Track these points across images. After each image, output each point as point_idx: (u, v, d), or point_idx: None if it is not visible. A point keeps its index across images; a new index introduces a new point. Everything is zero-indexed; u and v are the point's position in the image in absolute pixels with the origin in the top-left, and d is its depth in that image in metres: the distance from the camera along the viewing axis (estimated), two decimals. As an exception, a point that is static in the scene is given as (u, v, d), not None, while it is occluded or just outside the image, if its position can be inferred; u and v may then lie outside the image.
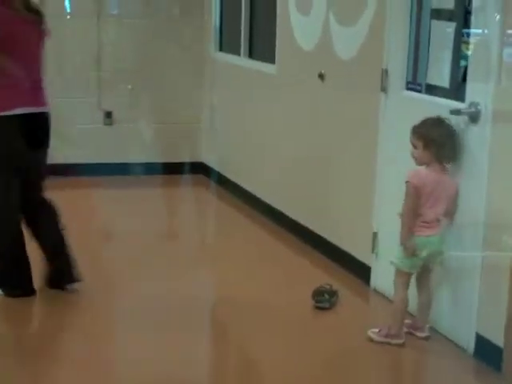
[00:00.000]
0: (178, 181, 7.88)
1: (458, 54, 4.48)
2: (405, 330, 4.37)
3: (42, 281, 4.91)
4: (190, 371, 4.07)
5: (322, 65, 5.67)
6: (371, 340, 4.35)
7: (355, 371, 4.16)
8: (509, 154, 3.95)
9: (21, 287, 4.83)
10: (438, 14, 4.69)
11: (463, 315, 4.28)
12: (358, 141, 5.29)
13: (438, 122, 4.23)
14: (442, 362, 4.22)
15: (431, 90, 4.67)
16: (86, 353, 4.20)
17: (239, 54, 7.34)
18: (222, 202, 7.27)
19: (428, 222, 4.25)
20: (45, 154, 4.91)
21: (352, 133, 5.39)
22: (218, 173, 7.70)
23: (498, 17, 4.01)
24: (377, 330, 4.37)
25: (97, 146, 7.86)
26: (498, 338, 3.98)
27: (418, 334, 4.41)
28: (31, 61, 4.78)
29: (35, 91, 4.79)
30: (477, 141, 4.15)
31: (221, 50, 7.84)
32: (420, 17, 4.80)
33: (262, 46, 7.08)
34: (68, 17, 7.71)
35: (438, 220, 4.27)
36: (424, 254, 4.26)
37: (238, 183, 7.21)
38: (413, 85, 4.82)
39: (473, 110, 4.15)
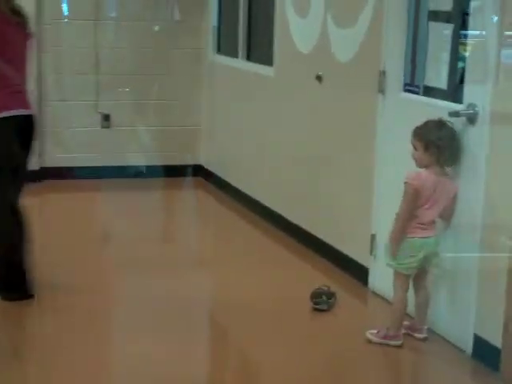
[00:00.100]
0: (177, 184, 7.88)
1: (456, 56, 4.49)
2: (403, 331, 4.37)
3: None
4: (188, 373, 4.06)
5: (319, 67, 5.68)
6: (369, 341, 4.35)
7: (353, 372, 4.16)
8: (507, 155, 3.96)
9: (18, 291, 4.82)
10: (435, 15, 4.70)
11: (461, 316, 4.29)
12: (357, 143, 5.30)
13: (439, 125, 4.23)
14: (440, 363, 4.23)
15: (429, 91, 4.68)
16: (82, 355, 4.18)
17: (237, 57, 7.34)
18: (221, 204, 7.27)
19: (424, 224, 4.26)
20: (29, 157, 4.88)
21: (350, 135, 5.39)
22: (217, 175, 7.70)
23: (495, 18, 4.02)
24: (375, 332, 4.37)
25: (94, 148, 7.86)
26: (495, 339, 3.99)
27: (416, 335, 4.41)
28: (18, 63, 4.77)
29: (24, 94, 4.80)
30: (475, 142, 4.16)
31: (219, 52, 7.85)
32: (418, 18, 4.81)
33: (259, 48, 7.08)
34: (66, 20, 7.71)
35: (434, 222, 4.28)
36: (420, 255, 4.27)
37: (237, 186, 7.21)
38: (410, 86, 4.83)
39: (471, 111, 4.15)
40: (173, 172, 7.89)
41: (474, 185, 4.16)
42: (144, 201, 7.34)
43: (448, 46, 4.53)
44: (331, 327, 4.65)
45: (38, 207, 6.87)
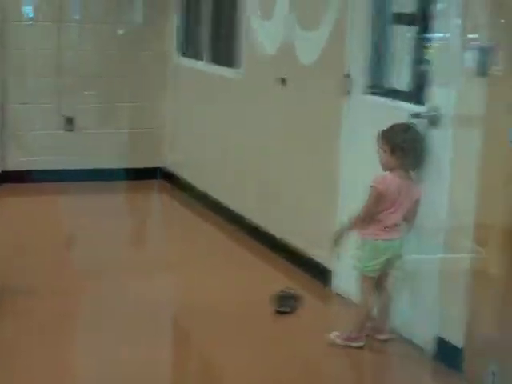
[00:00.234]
0: (141, 186, 7.83)
1: (419, 58, 4.51)
2: (365, 332, 4.38)
3: None
4: (150, 376, 4.03)
5: (284, 69, 5.68)
6: (332, 343, 4.36)
7: (316, 374, 4.15)
8: (468, 156, 3.98)
9: None
10: (399, 18, 4.72)
11: (423, 317, 4.30)
12: (321, 145, 5.31)
13: (405, 128, 4.25)
14: (403, 364, 4.24)
15: (393, 93, 4.70)
16: (44, 358, 4.15)
17: (202, 59, 7.33)
18: (185, 207, 7.24)
19: (389, 227, 4.27)
20: None
21: (315, 137, 5.40)
22: (181, 178, 7.67)
23: (457, 21, 4.05)
24: (338, 334, 4.37)
25: (58, 152, 7.79)
26: (457, 340, 4.01)
27: (379, 336, 4.42)
28: None
29: None
30: (437, 144, 4.18)
31: (183, 55, 7.83)
32: (381, 21, 4.83)
33: (224, 51, 7.07)
34: (29, 22, 7.64)
35: (398, 225, 4.30)
36: (384, 258, 4.29)
37: (201, 188, 7.19)
38: (374, 89, 4.85)
39: (432, 113, 4.18)
40: (137, 175, 7.84)
41: (438, 187, 4.18)
42: (108, 204, 7.29)
43: (411, 49, 4.55)
44: (294, 329, 4.65)
45: (0, 211, 6.80)
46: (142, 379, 3.98)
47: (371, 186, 4.25)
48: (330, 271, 5.16)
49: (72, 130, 7.85)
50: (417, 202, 4.28)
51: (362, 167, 4.69)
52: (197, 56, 7.45)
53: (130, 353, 4.20)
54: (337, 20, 5.02)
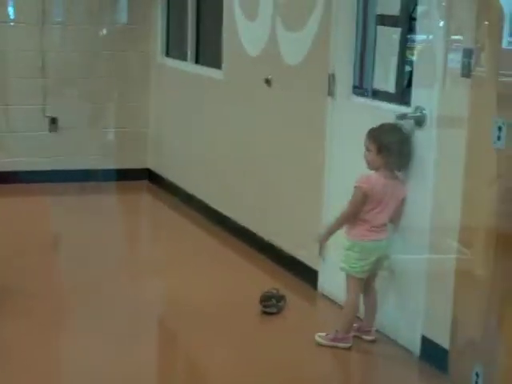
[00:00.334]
0: (125, 187, 7.81)
1: (404, 60, 4.52)
2: (352, 333, 4.39)
3: None
4: (136, 376, 4.03)
5: (269, 70, 5.68)
6: (319, 344, 4.36)
7: (303, 375, 4.15)
8: (453, 157, 3.99)
9: None
10: (383, 19, 4.73)
11: (409, 318, 4.32)
12: (306, 145, 5.31)
13: (393, 128, 4.26)
14: (389, 364, 4.26)
15: (377, 94, 4.71)
16: (32, 358, 4.14)
17: (186, 60, 7.32)
18: (169, 208, 7.23)
19: (377, 227, 4.28)
20: None
21: (300, 137, 5.40)
22: (165, 179, 7.66)
23: (441, 23, 4.06)
24: (324, 334, 4.38)
25: (42, 152, 7.77)
26: (443, 340, 4.02)
27: (365, 337, 4.43)
28: None
29: None
30: (422, 145, 4.19)
31: (167, 55, 7.82)
32: (366, 22, 4.84)
33: (208, 51, 7.07)
34: (12, 23, 7.62)
35: (385, 225, 4.31)
36: (372, 258, 4.29)
37: (185, 189, 7.18)
38: (359, 89, 4.86)
39: (418, 114, 4.19)
40: (121, 175, 7.82)
41: (423, 187, 4.20)
42: (92, 205, 7.27)
43: (396, 50, 4.56)
44: (280, 330, 4.65)
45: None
46: (126, 379, 3.97)
47: (355, 186, 4.26)
48: (316, 272, 5.17)
49: (56, 131, 7.82)
50: (402, 202, 4.30)
51: (347, 168, 4.70)
52: (181, 56, 7.44)
53: (116, 353, 4.21)
54: (322, 21, 5.02)
